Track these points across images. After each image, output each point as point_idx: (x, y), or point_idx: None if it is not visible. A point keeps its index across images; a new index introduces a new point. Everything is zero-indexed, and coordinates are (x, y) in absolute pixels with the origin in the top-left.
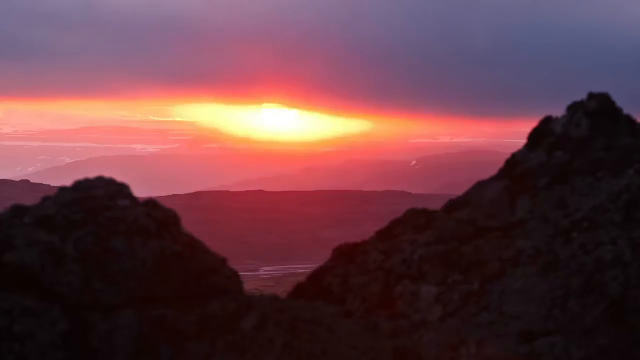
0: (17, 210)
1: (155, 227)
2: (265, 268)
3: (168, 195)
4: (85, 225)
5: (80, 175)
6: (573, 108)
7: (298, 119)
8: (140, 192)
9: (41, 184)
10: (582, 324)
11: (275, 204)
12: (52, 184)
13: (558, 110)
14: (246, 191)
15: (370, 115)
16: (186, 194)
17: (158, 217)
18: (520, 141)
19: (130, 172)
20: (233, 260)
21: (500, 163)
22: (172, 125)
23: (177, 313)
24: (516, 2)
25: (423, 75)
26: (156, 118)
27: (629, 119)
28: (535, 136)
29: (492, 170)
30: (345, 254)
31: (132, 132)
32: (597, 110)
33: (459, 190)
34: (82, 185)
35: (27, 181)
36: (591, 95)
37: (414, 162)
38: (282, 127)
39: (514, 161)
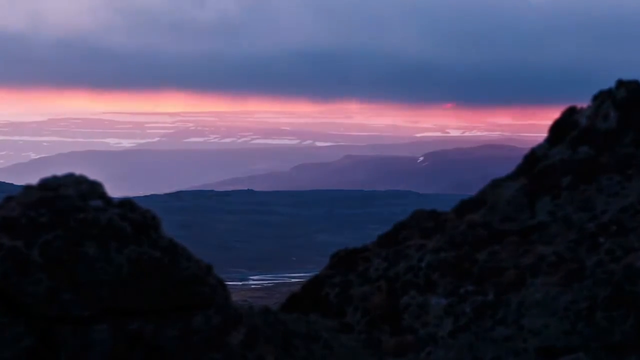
0: None
1: (131, 231)
2: (255, 277)
3: (146, 195)
4: (53, 229)
5: (48, 173)
6: (600, 98)
7: None
8: (115, 191)
9: (3, 182)
10: (610, 340)
11: (266, 204)
12: (15, 183)
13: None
14: (233, 190)
15: None
16: (166, 194)
17: (135, 219)
18: (541, 135)
19: (104, 169)
20: (219, 268)
21: (517, 159)
22: (150, 117)
23: (157, 327)
24: None
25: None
26: (133, 110)
27: None
28: (557, 129)
29: (509, 168)
30: (345, 260)
31: (105, 125)
32: (627, 100)
33: (471, 190)
34: (50, 184)
35: None
36: (620, 83)
37: (421, 158)
38: None
39: (534, 157)
